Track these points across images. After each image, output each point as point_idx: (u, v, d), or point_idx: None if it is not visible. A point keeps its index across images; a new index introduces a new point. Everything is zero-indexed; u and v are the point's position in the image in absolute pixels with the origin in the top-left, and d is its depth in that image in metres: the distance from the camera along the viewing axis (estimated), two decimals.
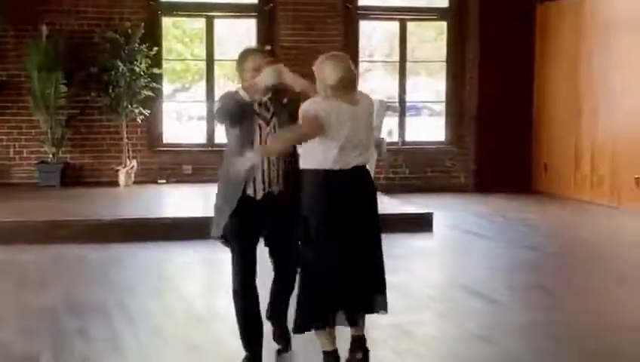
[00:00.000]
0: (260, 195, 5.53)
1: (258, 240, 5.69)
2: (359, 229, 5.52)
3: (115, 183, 13.17)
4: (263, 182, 5.52)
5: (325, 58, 5.55)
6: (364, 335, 5.69)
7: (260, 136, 5.51)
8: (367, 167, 5.68)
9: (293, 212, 5.49)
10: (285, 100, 5.65)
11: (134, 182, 13.26)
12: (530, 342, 6.66)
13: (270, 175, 5.53)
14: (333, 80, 5.43)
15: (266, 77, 5.42)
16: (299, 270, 5.61)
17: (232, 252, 5.63)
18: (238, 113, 5.39)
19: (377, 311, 5.70)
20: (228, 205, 5.55)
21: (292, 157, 5.61)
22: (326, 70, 5.50)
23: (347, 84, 5.48)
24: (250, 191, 5.50)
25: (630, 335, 6.78)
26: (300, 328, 5.56)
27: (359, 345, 5.69)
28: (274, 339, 6.02)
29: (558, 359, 6.30)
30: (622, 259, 9.87)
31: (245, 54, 5.72)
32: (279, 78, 5.47)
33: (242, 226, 5.53)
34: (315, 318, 5.53)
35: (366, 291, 5.64)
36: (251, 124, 5.49)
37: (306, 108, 5.38)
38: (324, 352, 5.60)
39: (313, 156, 5.43)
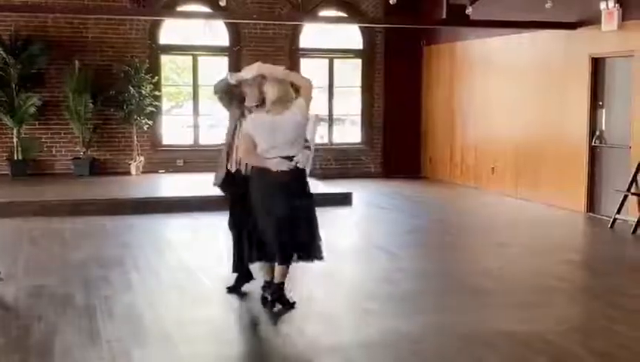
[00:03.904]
0: None
1: None
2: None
3: (128, 173, 12.99)
4: None
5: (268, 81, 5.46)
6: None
7: None
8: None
9: None
10: None
11: (142, 172, 13.08)
12: (418, 282, 6.74)
13: None
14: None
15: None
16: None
17: None
18: None
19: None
20: None
21: None
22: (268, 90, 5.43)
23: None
24: None
25: (485, 277, 6.91)
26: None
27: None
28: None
29: (430, 294, 6.37)
30: (483, 223, 10.04)
31: None
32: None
33: None
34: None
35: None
36: None
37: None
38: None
39: None
